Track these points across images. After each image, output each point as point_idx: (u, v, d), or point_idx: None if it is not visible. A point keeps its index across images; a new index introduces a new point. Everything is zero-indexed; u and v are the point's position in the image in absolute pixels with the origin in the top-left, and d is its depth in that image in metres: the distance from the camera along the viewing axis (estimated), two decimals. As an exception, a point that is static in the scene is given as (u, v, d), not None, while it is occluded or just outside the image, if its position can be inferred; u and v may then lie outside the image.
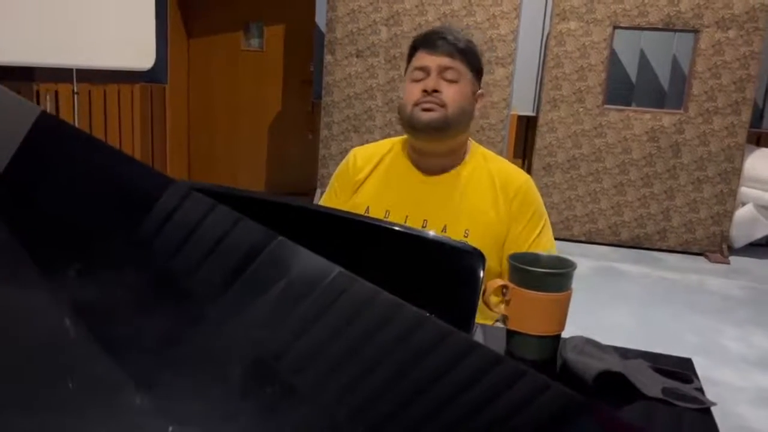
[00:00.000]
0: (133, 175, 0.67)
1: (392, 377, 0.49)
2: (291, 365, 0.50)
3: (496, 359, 0.57)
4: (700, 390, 0.88)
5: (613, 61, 4.65)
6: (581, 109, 4.57)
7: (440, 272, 0.93)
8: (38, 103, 4.17)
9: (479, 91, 1.41)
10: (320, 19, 4.96)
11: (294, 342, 0.51)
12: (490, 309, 0.95)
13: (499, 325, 1.02)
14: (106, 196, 0.65)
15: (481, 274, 0.93)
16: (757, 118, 4.77)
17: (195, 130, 5.72)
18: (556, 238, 4.77)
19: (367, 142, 1.54)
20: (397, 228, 0.94)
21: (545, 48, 4.71)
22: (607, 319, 3.39)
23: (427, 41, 1.36)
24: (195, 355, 0.49)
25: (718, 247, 4.56)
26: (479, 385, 0.50)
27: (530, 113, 4.92)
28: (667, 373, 0.91)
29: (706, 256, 4.56)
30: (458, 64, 1.34)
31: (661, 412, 0.83)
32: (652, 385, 0.87)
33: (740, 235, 4.58)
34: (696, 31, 4.36)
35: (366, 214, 1.36)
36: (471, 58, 1.36)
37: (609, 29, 4.44)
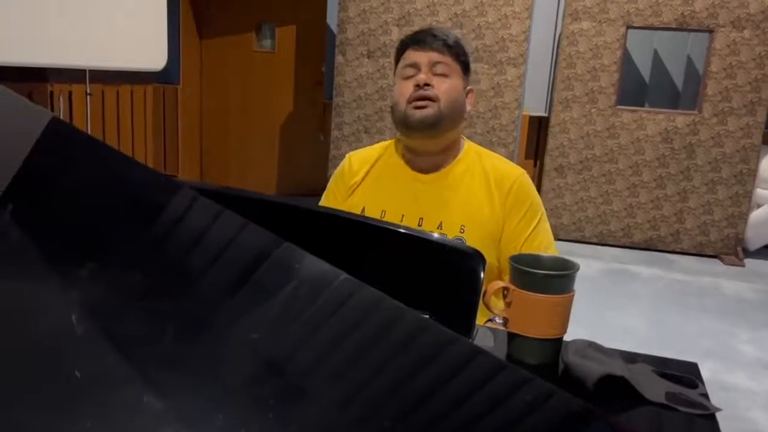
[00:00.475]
0: (141, 179, 0.68)
1: (397, 383, 0.49)
2: (299, 367, 0.50)
3: (500, 366, 0.56)
4: (705, 395, 0.86)
5: (627, 61, 4.61)
6: (594, 110, 4.53)
7: (440, 273, 0.92)
8: (52, 103, 4.20)
9: (469, 87, 1.42)
10: (332, 19, 4.96)
11: (301, 345, 0.52)
12: (491, 311, 0.94)
13: (490, 324, 1.01)
14: (115, 201, 0.66)
15: (482, 276, 0.92)
16: (772, 118, 4.71)
17: (207, 130, 5.74)
18: (567, 240, 4.73)
19: (378, 142, 1.56)
20: (396, 229, 0.94)
21: (557, 48, 4.68)
22: (617, 322, 3.36)
23: (416, 39, 1.38)
24: (203, 357, 0.49)
25: (732, 249, 4.51)
26: (483, 392, 0.50)
27: (542, 114, 4.89)
28: (672, 378, 0.89)
29: (721, 259, 4.51)
30: (448, 59, 1.35)
31: (664, 418, 0.82)
32: (655, 389, 0.85)
33: (755, 238, 4.52)
34: (710, 31, 4.31)
35: (362, 215, 1.37)
36: (460, 54, 1.38)
37: (622, 29, 4.40)
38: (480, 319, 0.94)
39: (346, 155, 1.53)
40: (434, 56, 1.35)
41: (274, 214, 0.95)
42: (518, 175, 1.39)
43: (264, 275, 0.57)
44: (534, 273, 0.91)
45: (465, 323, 0.93)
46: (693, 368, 0.95)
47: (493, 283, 0.95)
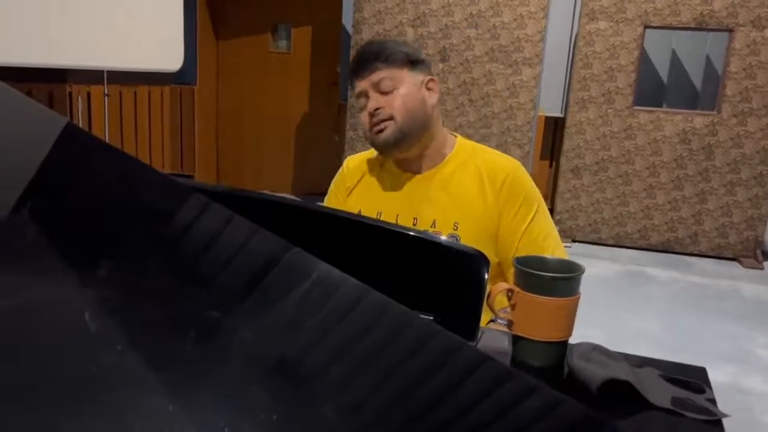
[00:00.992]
0: (155, 184, 0.69)
1: (406, 389, 0.49)
2: (309, 372, 0.50)
3: (508, 373, 0.56)
4: (713, 401, 0.85)
5: (644, 61, 4.56)
6: (610, 111, 4.49)
7: (444, 275, 0.92)
8: (71, 104, 4.26)
9: (428, 78, 1.40)
10: (347, 20, 4.97)
11: (311, 350, 0.52)
12: (495, 313, 0.93)
13: (493, 326, 1.00)
14: (128, 205, 0.66)
15: (486, 278, 0.91)
16: (794, 119, 4.63)
17: (223, 131, 5.78)
18: (583, 242, 4.69)
19: None
20: (401, 231, 0.93)
21: (574, 48, 4.64)
22: (633, 325, 3.33)
23: (353, 69, 1.40)
24: (213, 359, 0.49)
25: (751, 252, 4.44)
26: (490, 400, 0.50)
27: (558, 114, 4.86)
28: (679, 383, 0.88)
29: (740, 261, 4.45)
30: (385, 72, 1.34)
31: (669, 423, 0.81)
32: (661, 394, 0.84)
33: (775, 240, 4.45)
34: (730, 31, 4.25)
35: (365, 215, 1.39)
36: (395, 59, 1.36)
37: (640, 29, 4.35)
38: (483, 321, 0.94)
39: (345, 159, 1.57)
40: (374, 77, 1.35)
41: (281, 214, 0.95)
42: (511, 167, 1.38)
43: (274, 280, 0.57)
44: (539, 275, 0.90)
45: (469, 325, 0.93)
46: (701, 373, 0.94)
47: (498, 285, 0.94)
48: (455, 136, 1.46)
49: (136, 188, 0.68)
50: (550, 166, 5.03)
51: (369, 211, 1.42)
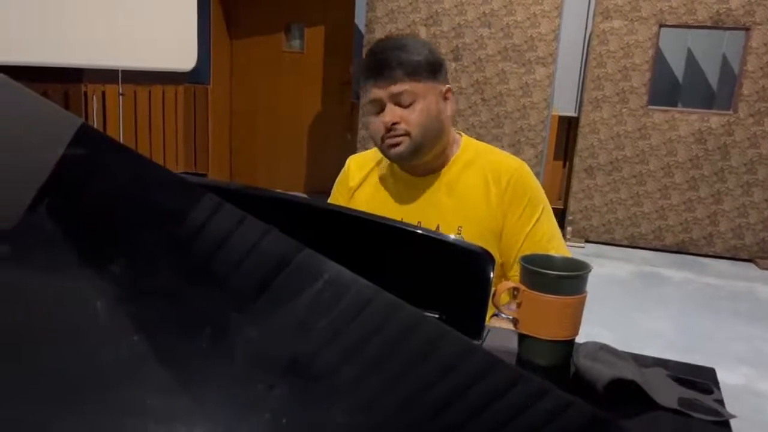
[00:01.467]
0: (167, 185, 0.69)
1: (416, 391, 0.50)
2: (320, 371, 0.51)
3: (518, 376, 0.56)
4: (721, 401, 0.84)
5: (659, 60, 4.52)
6: (624, 110, 4.45)
7: (449, 273, 0.91)
8: (86, 103, 4.30)
9: (446, 87, 1.34)
10: (360, 20, 4.97)
11: (322, 350, 0.53)
12: (500, 311, 0.92)
13: (495, 321, 1.00)
14: (141, 205, 0.67)
15: (491, 276, 0.91)
16: (812, 119, 4.57)
17: (236, 130, 5.81)
18: (597, 242, 4.66)
19: None
20: (405, 228, 0.93)
21: (588, 47, 4.61)
22: (647, 326, 3.30)
23: (370, 71, 1.30)
24: (224, 356, 0.50)
25: (768, 253, 4.39)
26: (501, 402, 0.50)
27: (572, 114, 4.83)
28: (687, 383, 0.87)
29: (756, 263, 4.39)
30: (407, 85, 1.27)
31: (676, 424, 0.80)
32: (668, 394, 0.83)
33: (793, 242, 4.39)
34: (747, 29, 4.20)
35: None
36: (419, 71, 1.28)
37: (654, 28, 4.32)
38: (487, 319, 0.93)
39: (348, 158, 1.54)
40: (393, 89, 1.27)
41: (287, 211, 0.95)
42: (516, 168, 1.35)
43: (286, 280, 0.58)
44: (545, 273, 0.89)
45: (474, 323, 0.92)
46: (710, 373, 0.92)
47: (503, 284, 0.94)
48: (460, 135, 1.43)
49: (150, 188, 0.69)
50: (564, 165, 5.00)
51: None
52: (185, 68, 4.08)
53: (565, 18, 4.39)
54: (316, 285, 0.57)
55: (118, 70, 3.99)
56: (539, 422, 0.50)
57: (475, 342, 0.92)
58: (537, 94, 4.41)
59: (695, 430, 0.79)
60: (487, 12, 4.39)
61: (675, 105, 4.65)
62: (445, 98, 1.35)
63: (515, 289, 0.92)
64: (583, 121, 4.56)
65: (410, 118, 1.28)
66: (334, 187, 1.53)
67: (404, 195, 1.40)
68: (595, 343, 0.92)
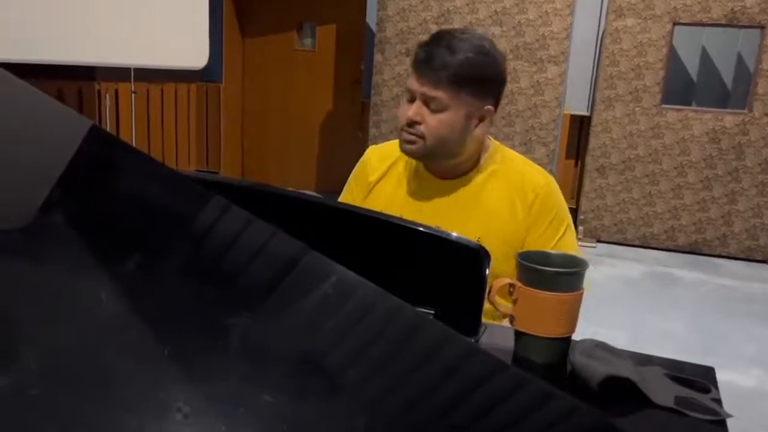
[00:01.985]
0: (177, 187, 0.70)
1: (423, 392, 0.50)
2: (329, 369, 0.52)
3: (524, 379, 0.56)
4: (718, 401, 0.82)
5: (673, 58, 4.48)
6: (637, 109, 4.41)
7: (444, 269, 0.91)
8: (99, 101, 4.33)
9: (486, 107, 1.27)
10: (371, 18, 4.97)
11: (330, 350, 0.53)
12: (496, 308, 0.92)
13: (506, 323, 0.99)
14: (152, 207, 0.68)
15: (487, 272, 0.90)
16: (829, 118, 4.50)
17: (248, 128, 5.83)
18: (609, 242, 4.63)
19: None
20: (401, 223, 0.93)
21: (600, 45, 4.58)
22: (658, 327, 3.27)
23: (417, 61, 1.25)
24: (232, 355, 0.50)
25: (783, 254, 4.33)
26: (507, 405, 0.51)
27: (584, 113, 4.79)
28: (684, 382, 0.86)
29: (770, 264, 4.34)
30: (442, 94, 1.22)
31: (671, 422, 0.79)
32: (664, 393, 0.82)
33: (808, 243, 4.33)
34: (762, 27, 4.14)
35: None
36: (462, 83, 1.22)
37: (668, 26, 4.27)
38: (485, 317, 0.92)
39: (367, 149, 1.47)
40: (427, 90, 1.23)
41: (282, 206, 0.95)
42: (544, 183, 1.31)
43: (294, 282, 0.59)
44: (541, 270, 0.89)
45: (471, 320, 0.92)
46: (709, 373, 0.91)
47: (499, 280, 0.93)
48: (490, 140, 1.37)
49: (160, 190, 0.69)
50: (576, 165, 4.97)
51: (390, 213, 1.30)
52: (197, 66, 4.10)
53: (578, 16, 4.35)
54: (323, 286, 0.58)
55: (130, 68, 4.02)
56: (545, 427, 0.50)
57: (472, 339, 0.92)
58: (549, 93, 4.38)
59: (691, 429, 0.78)
60: (498, 10, 4.37)
61: (689, 104, 4.60)
62: (481, 118, 1.28)
63: (512, 285, 0.91)
64: (595, 120, 4.52)
65: (431, 124, 1.24)
66: (351, 180, 1.47)
67: (426, 196, 1.34)
68: (592, 341, 0.91)
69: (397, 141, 1.44)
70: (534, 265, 0.89)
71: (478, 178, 1.33)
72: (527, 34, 4.35)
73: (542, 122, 4.42)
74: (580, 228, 4.57)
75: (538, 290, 0.88)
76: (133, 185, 0.70)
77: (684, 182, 4.42)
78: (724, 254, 4.45)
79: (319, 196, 0.89)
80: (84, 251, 0.60)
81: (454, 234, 0.90)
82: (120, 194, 0.69)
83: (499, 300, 0.92)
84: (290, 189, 0.93)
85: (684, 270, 4.20)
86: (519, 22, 4.34)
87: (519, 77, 4.40)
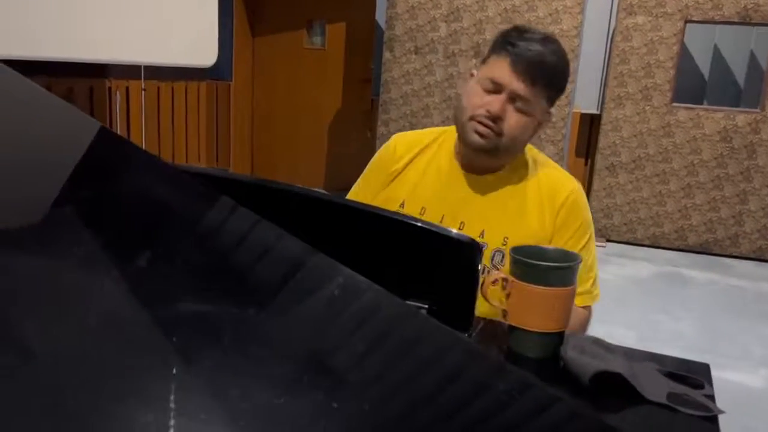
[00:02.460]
0: (186, 188, 0.71)
1: (428, 394, 0.50)
2: (336, 368, 0.52)
3: (529, 383, 0.57)
4: (711, 397, 0.81)
5: (685, 57, 4.44)
6: (648, 107, 4.38)
7: (436, 263, 0.91)
8: (110, 99, 4.36)
9: (549, 113, 1.27)
10: (380, 16, 4.97)
11: (339, 348, 0.54)
12: (489, 302, 0.91)
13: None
14: (161, 207, 0.69)
15: (479, 266, 0.89)
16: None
17: (258, 126, 5.85)
18: (618, 242, 4.62)
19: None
20: (391, 216, 0.92)
21: (611, 44, 4.55)
22: (668, 327, 3.24)
23: (517, 51, 1.18)
24: (240, 353, 0.50)
25: (796, 254, 4.28)
26: (509, 409, 0.50)
27: (594, 111, 4.76)
28: (677, 378, 0.85)
29: (783, 264, 4.30)
30: (535, 97, 1.19)
31: (662, 418, 0.78)
32: (656, 388, 0.81)
33: (821, 243, 4.28)
34: (775, 25, 4.10)
35: (400, 210, 1.31)
36: (552, 91, 1.21)
37: (680, 23, 4.24)
38: (479, 310, 0.92)
39: (392, 136, 1.40)
40: (521, 89, 1.18)
41: (272, 199, 0.95)
42: (573, 189, 1.29)
43: (299, 283, 0.59)
44: (534, 264, 0.88)
45: (464, 314, 0.92)
46: (704, 369, 0.90)
47: (492, 274, 0.93)
48: None
49: (169, 191, 0.70)
50: (586, 163, 4.94)
51: (412, 204, 1.30)
52: (206, 64, 4.12)
53: (588, 14, 4.33)
54: (330, 287, 0.58)
55: (140, 66, 4.04)
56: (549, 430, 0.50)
57: (465, 333, 0.92)
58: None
59: (681, 425, 0.77)
60: (508, 8, 4.36)
61: (701, 102, 4.56)
62: (540, 122, 1.27)
63: (504, 279, 0.91)
64: (605, 119, 4.49)
65: (511, 123, 1.20)
66: (371, 166, 1.42)
67: (453, 191, 1.30)
68: (586, 336, 0.91)
69: (426, 130, 1.41)
70: (526, 260, 0.88)
71: (509, 177, 1.30)
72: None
73: (552, 120, 4.40)
74: (590, 227, 4.53)
75: (530, 285, 0.88)
76: (140, 184, 0.71)
77: (695, 181, 4.38)
78: (735, 254, 4.41)
79: (314, 189, 0.89)
80: (92, 249, 0.60)
81: (445, 227, 0.90)
82: (127, 193, 0.69)
83: (491, 294, 0.91)
84: (283, 182, 0.93)
85: (694, 270, 4.16)
86: (528, 20, 4.32)
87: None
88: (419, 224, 0.92)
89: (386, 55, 4.64)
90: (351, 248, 0.80)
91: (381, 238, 0.92)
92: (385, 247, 0.91)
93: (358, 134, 5.46)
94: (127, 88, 4.45)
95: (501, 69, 1.19)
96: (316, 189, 0.91)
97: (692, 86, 4.63)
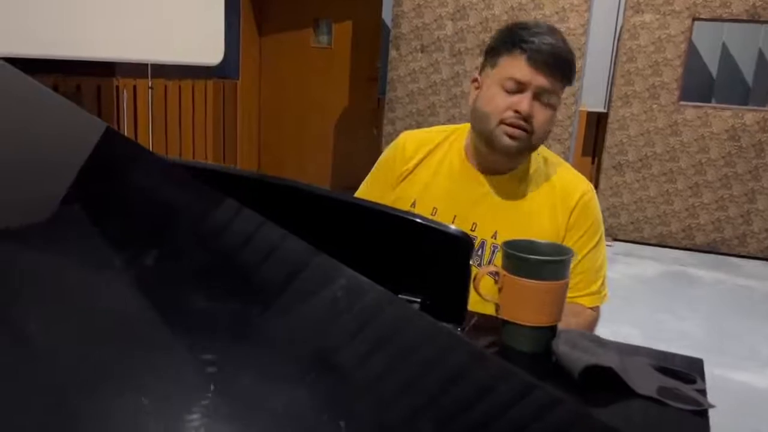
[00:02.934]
0: (188, 189, 0.71)
1: (432, 394, 0.51)
2: (341, 366, 0.52)
3: (532, 386, 0.57)
4: (702, 392, 0.81)
5: (693, 55, 4.41)
6: (655, 106, 4.35)
7: (428, 257, 0.91)
8: (118, 97, 4.39)
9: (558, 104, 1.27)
10: (387, 14, 4.97)
11: (342, 349, 0.54)
12: (481, 296, 0.91)
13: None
14: (167, 207, 0.69)
15: (471, 260, 0.89)
16: None
17: (265, 125, 5.87)
18: (625, 241, 4.59)
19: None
20: (382, 210, 0.93)
21: (618, 42, 4.52)
22: (674, 327, 3.22)
23: (533, 48, 1.16)
24: (246, 351, 0.51)
25: (804, 254, 4.25)
26: (512, 412, 0.51)
27: (601, 110, 4.74)
28: (669, 373, 0.85)
29: (791, 264, 4.26)
30: (558, 87, 1.19)
31: (651, 412, 0.77)
32: (647, 383, 0.81)
33: (831, 243, 4.24)
34: (784, 23, 4.07)
35: (411, 210, 1.29)
36: (567, 79, 1.21)
37: (688, 21, 4.21)
38: (472, 305, 0.92)
39: (401, 134, 1.38)
40: (546, 84, 1.17)
41: (268, 193, 0.96)
42: (585, 190, 1.28)
43: (302, 284, 0.60)
44: (525, 258, 0.88)
45: (456, 308, 0.91)
46: (696, 364, 0.89)
47: (484, 268, 0.92)
48: None
49: (175, 191, 0.71)
50: (592, 162, 4.92)
51: (424, 204, 1.29)
52: (212, 62, 4.13)
53: (595, 12, 4.31)
54: (333, 287, 0.59)
55: (147, 65, 4.06)
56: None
57: (458, 328, 0.92)
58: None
59: (671, 419, 0.77)
60: (514, 6, 4.35)
61: (709, 101, 4.53)
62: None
63: (496, 273, 0.91)
64: (612, 117, 4.47)
65: (541, 119, 1.19)
66: (379, 165, 1.40)
67: (465, 191, 1.29)
68: (578, 331, 0.90)
69: (435, 128, 1.40)
70: (518, 253, 0.88)
71: (521, 177, 1.29)
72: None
73: (558, 119, 4.38)
74: (596, 226, 4.52)
75: (522, 278, 0.87)
76: (143, 184, 0.71)
77: (702, 180, 4.35)
78: (743, 254, 4.38)
79: (306, 183, 0.89)
80: (98, 248, 0.61)
81: (437, 221, 0.90)
82: (129, 194, 0.70)
83: (484, 288, 0.91)
84: (275, 176, 0.94)
85: (702, 269, 4.13)
86: (535, 17, 4.30)
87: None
88: (411, 218, 0.92)
89: (392, 53, 4.64)
90: (343, 242, 0.80)
91: (373, 231, 0.92)
92: (377, 241, 0.91)
93: (364, 133, 5.46)
94: (135, 87, 4.47)
95: (519, 67, 1.18)
96: (316, 185, 0.91)
97: (700, 84, 4.60)
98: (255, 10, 5.55)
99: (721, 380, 2.51)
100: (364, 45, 5.37)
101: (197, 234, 0.65)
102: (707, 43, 4.59)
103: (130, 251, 0.60)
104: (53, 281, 0.54)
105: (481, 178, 1.29)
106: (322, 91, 5.57)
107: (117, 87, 4.39)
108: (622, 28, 4.43)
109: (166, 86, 4.75)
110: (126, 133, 4.27)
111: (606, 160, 4.53)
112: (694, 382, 0.83)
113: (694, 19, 4.20)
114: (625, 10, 4.37)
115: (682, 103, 4.32)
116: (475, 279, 0.90)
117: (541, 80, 1.17)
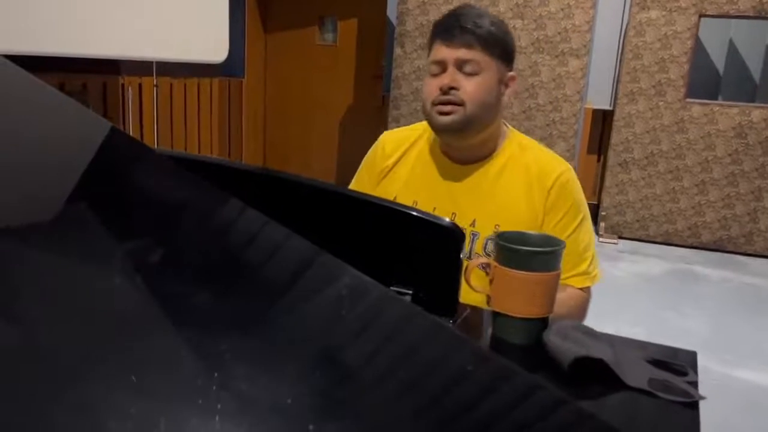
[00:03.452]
0: (192, 190, 0.72)
1: (434, 394, 0.51)
2: (346, 364, 0.52)
3: (535, 385, 0.58)
4: (694, 384, 0.80)
5: (699, 51, 4.38)
6: (661, 103, 4.33)
7: (419, 248, 0.90)
8: (123, 95, 4.40)
9: (510, 74, 1.28)
10: (392, 12, 4.97)
11: (346, 348, 0.54)
12: (472, 288, 0.91)
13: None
14: (170, 206, 0.70)
15: (462, 251, 0.89)
16: None
17: (270, 122, 5.88)
18: (630, 238, 4.56)
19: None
20: (373, 201, 0.92)
21: (623, 38, 4.50)
22: (679, 324, 3.21)
23: (443, 30, 1.23)
24: (249, 350, 0.51)
25: (812, 252, 4.21)
26: (515, 412, 0.51)
27: (606, 107, 4.72)
28: (661, 365, 0.84)
29: (799, 262, 4.23)
30: (478, 55, 1.21)
31: (641, 404, 0.77)
32: (638, 375, 0.80)
33: (839, 241, 4.20)
34: (792, 19, 4.03)
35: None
36: (494, 45, 1.23)
37: (694, 18, 4.18)
38: (463, 297, 0.91)
39: (381, 135, 1.43)
40: (461, 53, 1.21)
41: (256, 183, 0.96)
42: (562, 171, 1.29)
43: (307, 282, 0.60)
44: (515, 249, 0.87)
45: (448, 300, 0.91)
46: (690, 357, 0.89)
47: (475, 260, 0.92)
48: (507, 127, 1.36)
49: (179, 191, 0.71)
50: (598, 160, 4.90)
51: (404, 198, 1.32)
52: (216, 60, 4.14)
53: (601, 9, 4.29)
54: (337, 286, 0.59)
55: (152, 62, 4.07)
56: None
57: (450, 320, 0.91)
58: (570, 87, 4.32)
59: (661, 410, 0.76)
60: (519, 3, 4.33)
61: (715, 98, 4.50)
62: (506, 85, 1.28)
63: (487, 264, 0.90)
64: (617, 115, 4.45)
65: (468, 89, 1.22)
66: (362, 166, 1.45)
67: (442, 183, 1.32)
68: (569, 322, 0.90)
69: (413, 126, 1.42)
70: (509, 244, 0.87)
71: (496, 165, 1.31)
72: (548, 27, 4.29)
73: (563, 116, 4.37)
74: (602, 224, 4.50)
75: (512, 270, 0.87)
76: (152, 185, 0.72)
77: (709, 178, 4.32)
78: (749, 252, 4.35)
79: (298, 175, 0.89)
80: (102, 247, 0.61)
81: (428, 212, 0.89)
82: (132, 192, 0.70)
83: (475, 279, 0.90)
84: (271, 168, 0.94)
85: (708, 267, 4.11)
86: (540, 14, 4.29)
87: (540, 71, 4.35)
88: (402, 209, 0.92)
89: (397, 50, 4.63)
90: (335, 233, 0.80)
91: (366, 223, 0.92)
92: (369, 232, 0.91)
93: (369, 130, 5.45)
94: (140, 85, 4.49)
95: (438, 50, 1.24)
96: (316, 179, 0.91)
97: (706, 81, 4.57)
98: (260, 8, 5.56)
99: (727, 378, 2.49)
100: (369, 42, 5.37)
101: (201, 233, 0.65)
102: (714, 39, 4.56)
103: (134, 251, 0.60)
104: (55, 280, 0.54)
105: (457, 168, 1.32)
106: (327, 89, 5.58)
107: (122, 85, 4.41)
108: (627, 24, 4.40)
109: (171, 84, 4.77)
110: (131, 131, 4.28)
111: (612, 158, 4.51)
112: (686, 374, 0.83)
113: (701, 15, 4.17)
114: (630, 6, 4.34)
115: (688, 100, 4.29)
116: (466, 270, 0.90)
117: (456, 53, 1.22)
